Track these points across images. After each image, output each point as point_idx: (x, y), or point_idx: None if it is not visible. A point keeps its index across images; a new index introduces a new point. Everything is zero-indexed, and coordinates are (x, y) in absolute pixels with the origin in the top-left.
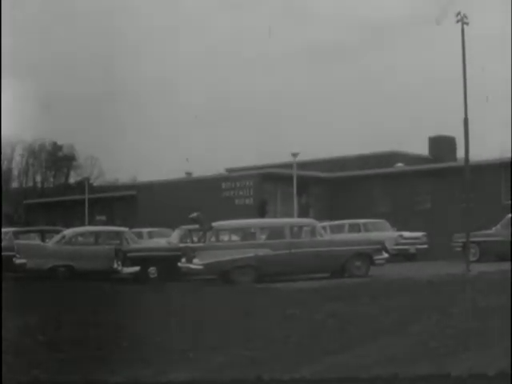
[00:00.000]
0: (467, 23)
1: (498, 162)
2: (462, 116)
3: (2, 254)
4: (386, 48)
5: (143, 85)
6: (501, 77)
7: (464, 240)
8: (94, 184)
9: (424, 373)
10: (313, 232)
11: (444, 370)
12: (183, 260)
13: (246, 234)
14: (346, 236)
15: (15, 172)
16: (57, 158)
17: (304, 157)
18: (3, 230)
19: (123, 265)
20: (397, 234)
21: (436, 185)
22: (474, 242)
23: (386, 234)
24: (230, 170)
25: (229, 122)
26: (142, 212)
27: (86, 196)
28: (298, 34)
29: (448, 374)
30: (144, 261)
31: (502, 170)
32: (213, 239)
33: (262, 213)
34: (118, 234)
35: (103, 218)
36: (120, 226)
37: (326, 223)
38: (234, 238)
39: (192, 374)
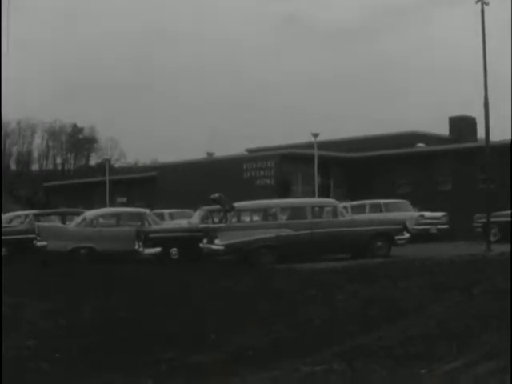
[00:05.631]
0: (487, 3)
1: None
2: (483, 96)
3: (23, 236)
4: (407, 30)
5: (165, 68)
6: None
7: (485, 220)
8: (115, 166)
9: (444, 353)
10: (334, 212)
11: (464, 351)
12: (204, 241)
13: (267, 214)
14: (367, 216)
15: (35, 154)
16: (77, 140)
17: (324, 137)
18: (24, 212)
19: (144, 246)
20: (418, 214)
21: (457, 165)
22: (494, 223)
23: (407, 214)
24: (250, 151)
25: (250, 102)
26: (162, 193)
27: (107, 178)
28: (319, 16)
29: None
30: (165, 242)
31: None
32: (234, 220)
33: (283, 193)
34: (139, 216)
35: (124, 199)
36: (141, 207)
37: (347, 203)
38: (256, 218)
39: (214, 355)
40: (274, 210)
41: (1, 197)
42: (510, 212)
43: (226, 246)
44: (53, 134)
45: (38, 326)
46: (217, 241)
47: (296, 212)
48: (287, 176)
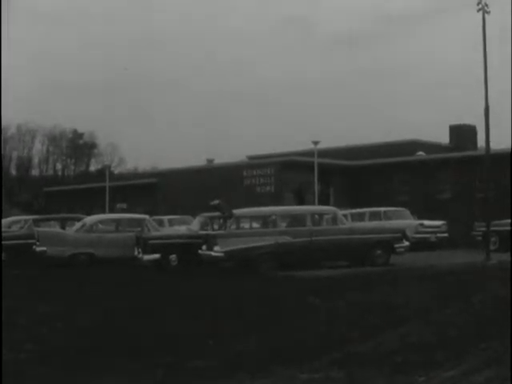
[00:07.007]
0: (488, 12)
1: None
2: (483, 105)
3: (22, 241)
4: (407, 37)
5: (164, 73)
6: None
7: (484, 229)
8: (115, 172)
9: (443, 361)
10: (334, 220)
11: (463, 359)
12: (204, 247)
13: (267, 221)
14: (366, 224)
15: (35, 160)
16: (77, 146)
17: (324, 145)
18: (23, 217)
19: (144, 252)
20: (417, 222)
21: (456, 174)
22: (494, 231)
23: (407, 222)
24: (251, 158)
25: (250, 109)
26: (162, 199)
27: (107, 184)
28: (319, 22)
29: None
30: (165, 248)
31: None
32: (233, 226)
33: (299, 201)
34: (138, 222)
35: (124, 205)
36: (141, 213)
37: (347, 211)
38: (255, 225)
39: (211, 361)
40: (273, 217)
41: (1, 202)
42: (509, 221)
43: (225, 252)
44: (53, 139)
45: (36, 329)
46: (216, 247)
47: (296, 219)
48: (302, 184)
